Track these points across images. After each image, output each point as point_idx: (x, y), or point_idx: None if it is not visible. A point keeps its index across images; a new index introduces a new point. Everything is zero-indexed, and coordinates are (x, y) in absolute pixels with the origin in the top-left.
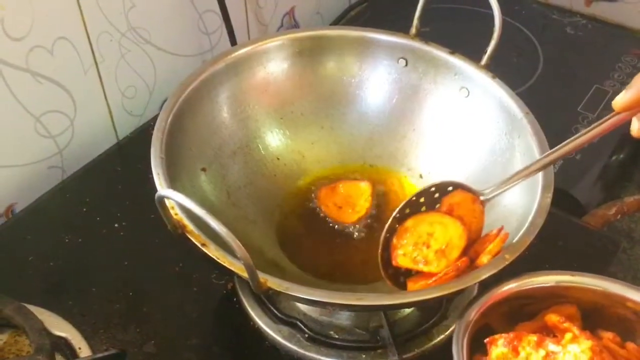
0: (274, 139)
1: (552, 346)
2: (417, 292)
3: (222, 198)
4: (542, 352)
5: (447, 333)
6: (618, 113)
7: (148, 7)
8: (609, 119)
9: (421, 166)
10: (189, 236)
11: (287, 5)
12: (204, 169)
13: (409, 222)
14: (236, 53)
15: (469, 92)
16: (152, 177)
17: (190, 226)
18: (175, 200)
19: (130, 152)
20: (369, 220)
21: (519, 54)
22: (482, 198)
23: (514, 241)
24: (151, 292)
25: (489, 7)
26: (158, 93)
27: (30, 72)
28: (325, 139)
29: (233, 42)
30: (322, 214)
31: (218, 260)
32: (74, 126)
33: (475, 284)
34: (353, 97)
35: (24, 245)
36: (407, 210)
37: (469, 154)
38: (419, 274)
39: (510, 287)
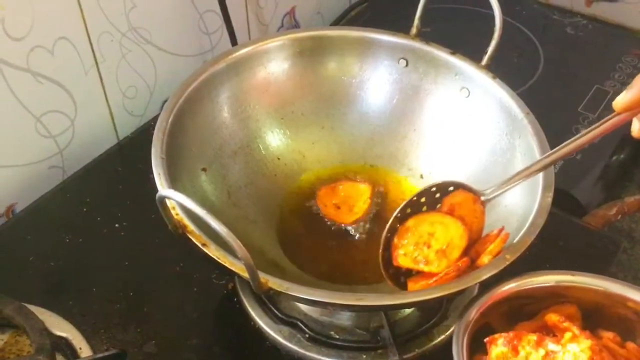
0: (275, 139)
1: (551, 345)
2: (418, 292)
3: (223, 198)
4: (541, 352)
5: (447, 333)
6: (619, 113)
7: (149, 7)
8: (610, 119)
9: (422, 166)
10: (190, 236)
11: (287, 5)
12: (204, 169)
13: (410, 222)
14: (237, 53)
15: (469, 93)
16: (153, 177)
17: (191, 226)
18: (176, 201)
19: (130, 152)
20: (366, 222)
21: (520, 54)
22: (483, 198)
23: (515, 241)
24: (152, 292)
25: (490, 8)
26: (159, 93)
27: (30, 72)
28: (326, 139)
29: (234, 42)
30: (320, 214)
31: (219, 261)
32: (75, 126)
33: (475, 284)
34: (354, 97)
35: (24, 245)
36: (408, 210)
37: (470, 154)
38: (420, 274)
39: (510, 286)
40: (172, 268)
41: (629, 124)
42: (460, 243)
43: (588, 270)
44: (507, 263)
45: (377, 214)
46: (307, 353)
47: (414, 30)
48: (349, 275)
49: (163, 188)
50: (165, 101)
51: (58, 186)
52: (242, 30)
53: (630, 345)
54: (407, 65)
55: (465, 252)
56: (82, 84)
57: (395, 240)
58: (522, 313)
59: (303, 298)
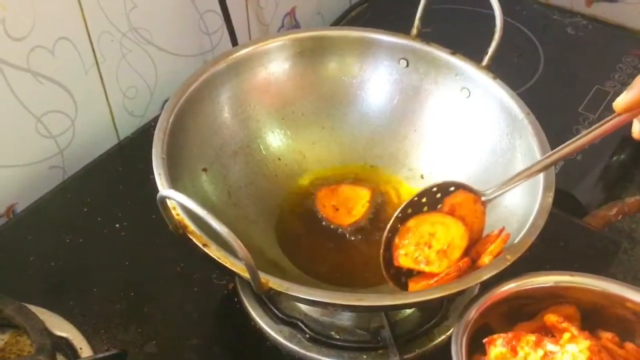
0: (275, 139)
1: (550, 346)
2: (418, 292)
3: (223, 198)
4: (540, 352)
5: (448, 333)
6: (619, 114)
7: (149, 7)
8: (610, 120)
9: (422, 167)
10: (191, 236)
11: (288, 5)
12: (205, 169)
13: (411, 222)
14: (237, 53)
15: (470, 93)
16: (153, 178)
17: (191, 226)
18: (176, 201)
19: (131, 153)
20: (365, 225)
21: (520, 55)
22: (483, 199)
23: (515, 242)
24: (152, 292)
25: (490, 8)
26: (159, 93)
27: (31, 72)
28: (326, 139)
29: (234, 42)
30: (318, 214)
31: (219, 261)
32: (75, 126)
33: (476, 284)
34: (354, 98)
35: (25, 246)
36: (409, 210)
37: (470, 155)
38: (421, 274)
39: (510, 287)
40: (173, 268)
41: (629, 124)
42: (461, 243)
43: (588, 271)
44: (508, 263)
45: (376, 217)
46: (308, 353)
47: (414, 31)
48: (348, 277)
49: (164, 188)
50: (166, 101)
51: (58, 186)
52: (242, 30)
53: (629, 345)
54: (407, 65)
55: (466, 253)
56: (83, 84)
57: (396, 240)
58: (521, 313)
59: (303, 298)
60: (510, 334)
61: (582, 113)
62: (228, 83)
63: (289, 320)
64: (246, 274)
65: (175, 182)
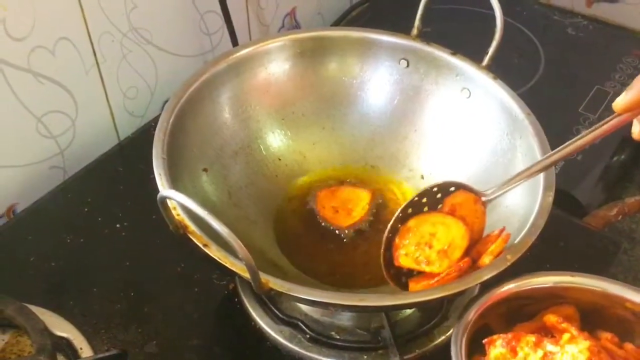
0: (275, 140)
1: (550, 346)
2: (419, 292)
3: (224, 198)
4: (540, 353)
5: (448, 334)
6: (619, 114)
7: (150, 7)
8: (610, 120)
9: (423, 167)
10: (191, 237)
11: (288, 5)
12: (205, 170)
13: (412, 222)
14: (238, 54)
15: (470, 93)
16: (154, 178)
17: (192, 227)
18: (177, 201)
19: (131, 153)
20: (364, 227)
21: (520, 55)
22: (484, 199)
23: (516, 242)
24: (152, 292)
25: (491, 8)
26: (159, 93)
27: (31, 72)
28: (327, 140)
29: (234, 42)
30: (318, 215)
31: (220, 261)
32: (76, 126)
33: (476, 284)
34: (354, 98)
35: (25, 246)
36: (410, 210)
37: (471, 155)
38: (421, 274)
39: (509, 287)
40: (173, 268)
41: (629, 125)
42: (461, 243)
43: (588, 271)
44: (509, 264)
45: (375, 219)
46: (308, 353)
47: (414, 31)
48: (347, 278)
49: (164, 188)
50: (166, 101)
51: (59, 186)
52: (242, 30)
53: (629, 346)
54: (408, 65)
55: (467, 253)
56: (83, 84)
57: (397, 240)
58: (521, 314)
59: (304, 299)
60: (510, 335)
61: (583, 113)
62: (228, 83)
63: (289, 321)
64: (246, 274)
65: (175, 182)
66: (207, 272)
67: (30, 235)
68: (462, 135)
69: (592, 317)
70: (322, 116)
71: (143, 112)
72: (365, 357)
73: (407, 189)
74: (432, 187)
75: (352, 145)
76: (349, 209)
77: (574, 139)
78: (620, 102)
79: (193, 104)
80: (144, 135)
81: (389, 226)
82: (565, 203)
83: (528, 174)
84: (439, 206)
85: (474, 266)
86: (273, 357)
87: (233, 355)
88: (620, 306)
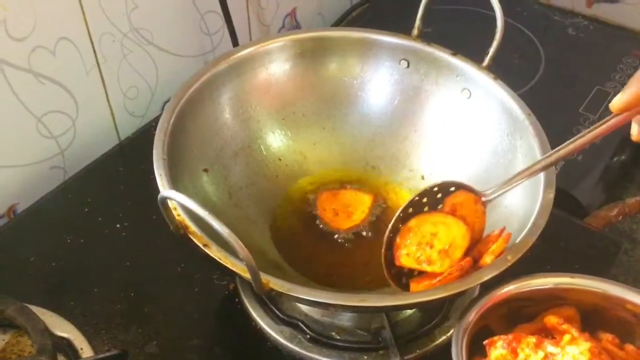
0: (276, 140)
1: (550, 348)
2: (419, 293)
3: (224, 199)
4: (540, 354)
5: (448, 334)
6: (616, 115)
7: (150, 8)
8: (608, 120)
9: (423, 167)
10: (191, 237)
11: (288, 6)
12: (206, 170)
13: (413, 222)
14: (238, 54)
15: (470, 94)
16: (154, 178)
17: (192, 227)
18: (177, 201)
19: (132, 153)
20: (363, 230)
21: (521, 55)
22: (484, 199)
23: (517, 242)
24: (153, 292)
25: (491, 9)
26: (160, 94)
27: (32, 72)
28: (327, 140)
29: (235, 43)
30: (318, 217)
31: (220, 261)
32: (76, 127)
33: (477, 285)
34: (355, 99)
35: (25, 246)
36: (410, 210)
37: (471, 155)
38: (422, 274)
39: (510, 289)
40: (174, 269)
41: (629, 125)
42: (462, 243)
43: (589, 272)
44: (509, 264)
45: (375, 223)
46: (308, 354)
47: (415, 31)
48: (344, 279)
49: (164, 189)
50: (167, 102)
51: (59, 187)
52: (243, 31)
53: (629, 347)
54: (408, 66)
55: (468, 252)
56: (84, 84)
57: (398, 240)
58: (521, 315)
59: (305, 299)
60: (510, 336)
61: (583, 114)
62: (229, 84)
63: (289, 321)
64: (247, 275)
65: (176, 182)
66: (208, 273)
67: (31, 235)
68: (463, 136)
69: (593, 318)
70: (323, 116)
71: (143, 112)
72: (366, 357)
73: (407, 190)
74: (432, 187)
75: (353, 145)
76: (349, 212)
77: (573, 139)
78: (616, 102)
79: (193, 104)
80: (144, 136)
81: (390, 226)
82: (565, 203)
83: (527, 173)
84: (440, 206)
85: (475, 266)
86: (273, 357)
87: (233, 355)
88: (621, 308)
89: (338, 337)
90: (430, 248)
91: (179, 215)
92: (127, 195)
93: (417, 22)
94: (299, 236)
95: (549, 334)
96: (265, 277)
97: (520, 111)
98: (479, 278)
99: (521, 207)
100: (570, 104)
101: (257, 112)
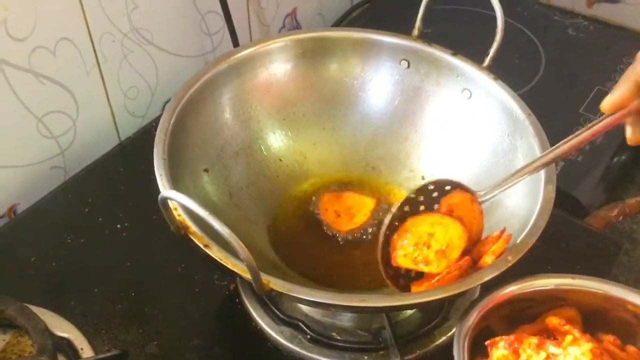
0: (276, 140)
1: (552, 348)
2: (419, 293)
3: (225, 199)
4: (542, 355)
5: (448, 334)
6: (609, 115)
7: (150, 8)
8: (602, 120)
9: (423, 168)
10: (192, 237)
11: (289, 6)
12: (206, 170)
13: (410, 223)
14: (239, 54)
15: (471, 94)
16: (155, 178)
17: (193, 227)
18: (178, 202)
19: (132, 153)
20: (364, 234)
21: (521, 56)
22: (480, 199)
23: (517, 242)
24: (153, 292)
25: (491, 9)
26: (160, 94)
27: (32, 72)
28: (327, 140)
29: (235, 43)
30: (319, 218)
31: (221, 262)
32: (76, 127)
33: (477, 285)
34: (355, 99)
35: (26, 246)
36: (407, 208)
37: (472, 156)
38: (423, 277)
39: (511, 289)
40: (174, 269)
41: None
42: (459, 243)
43: (590, 272)
44: (510, 265)
45: (377, 226)
46: (309, 354)
47: (415, 32)
48: (344, 280)
49: (165, 189)
50: (167, 102)
51: (60, 187)
52: (243, 31)
53: (631, 348)
54: (408, 66)
55: (465, 253)
56: (84, 84)
57: (395, 239)
58: (523, 316)
59: (305, 299)
60: (512, 337)
61: (583, 114)
62: (229, 84)
63: (290, 321)
64: (247, 275)
65: (176, 182)
66: (208, 273)
67: (31, 235)
68: (463, 136)
69: (594, 319)
70: (323, 117)
71: (144, 112)
72: (366, 357)
73: (407, 190)
74: (427, 184)
75: (353, 145)
76: (351, 214)
77: (572, 136)
78: (606, 102)
79: (194, 104)
80: (144, 136)
81: (386, 222)
82: (566, 204)
83: (523, 172)
84: (436, 206)
85: (475, 267)
86: (274, 357)
87: (234, 355)
88: (622, 309)
89: (338, 338)
90: (427, 248)
91: (180, 215)
92: (127, 195)
93: (418, 23)
94: (299, 236)
95: (551, 334)
96: (265, 278)
97: (520, 111)
98: (480, 279)
99: (521, 207)
100: (571, 104)
101: (257, 113)
